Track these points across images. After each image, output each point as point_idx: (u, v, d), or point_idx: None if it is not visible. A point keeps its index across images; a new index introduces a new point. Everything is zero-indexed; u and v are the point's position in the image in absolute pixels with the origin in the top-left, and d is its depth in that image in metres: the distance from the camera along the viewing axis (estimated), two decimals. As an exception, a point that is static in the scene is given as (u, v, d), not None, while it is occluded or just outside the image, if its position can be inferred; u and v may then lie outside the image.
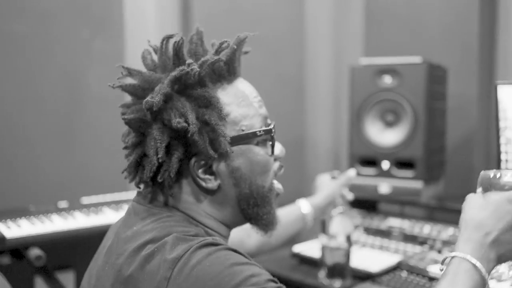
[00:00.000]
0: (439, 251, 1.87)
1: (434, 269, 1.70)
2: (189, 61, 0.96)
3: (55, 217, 1.94)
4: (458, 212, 1.87)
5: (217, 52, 1.02)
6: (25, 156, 2.17)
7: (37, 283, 2.23)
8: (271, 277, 0.86)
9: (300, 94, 2.89)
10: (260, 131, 0.99)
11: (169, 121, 0.92)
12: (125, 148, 1.04)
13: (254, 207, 1.00)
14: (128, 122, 0.98)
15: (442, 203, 2.14)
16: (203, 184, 0.96)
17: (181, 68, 0.95)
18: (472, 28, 2.35)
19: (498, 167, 1.91)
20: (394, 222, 2.11)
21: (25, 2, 2.15)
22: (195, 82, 0.95)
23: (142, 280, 0.85)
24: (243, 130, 0.97)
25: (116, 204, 2.15)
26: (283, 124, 1.13)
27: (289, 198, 1.65)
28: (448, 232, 1.97)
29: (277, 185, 1.07)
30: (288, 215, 1.65)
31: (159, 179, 0.94)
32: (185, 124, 0.92)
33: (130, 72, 1.04)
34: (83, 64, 2.28)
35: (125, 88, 1.02)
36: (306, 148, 2.94)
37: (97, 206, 2.10)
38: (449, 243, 1.91)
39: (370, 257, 1.88)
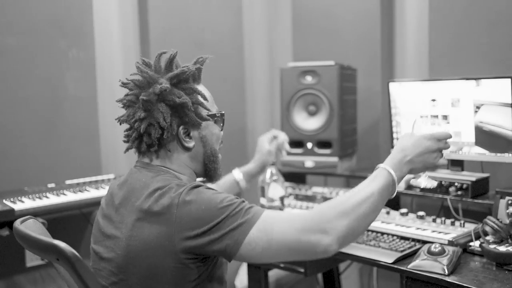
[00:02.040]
0: (349, 207, 2.48)
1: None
2: (184, 65, 1.47)
3: (49, 195, 2.39)
4: (361, 178, 2.48)
5: (197, 63, 1.52)
6: (17, 147, 2.53)
7: (27, 253, 2.68)
8: (241, 199, 1.34)
9: (241, 91, 3.41)
10: (219, 113, 1.52)
11: (171, 100, 1.40)
12: (130, 124, 1.46)
13: (212, 163, 1.51)
14: (131, 103, 1.45)
15: (353, 173, 2.74)
16: (185, 144, 1.45)
17: (182, 68, 1.45)
18: (376, 36, 2.93)
19: (391, 143, 2.53)
20: (317, 189, 2.70)
21: (12, 17, 2.48)
22: (186, 78, 1.45)
23: (158, 209, 1.31)
24: (208, 112, 1.50)
25: (95, 183, 2.62)
26: (227, 116, 1.60)
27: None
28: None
29: (220, 155, 1.61)
30: (224, 182, 2.15)
31: (164, 137, 1.41)
32: (185, 101, 1.41)
33: (141, 71, 1.47)
34: (61, 70, 2.67)
35: (135, 82, 1.47)
36: (246, 134, 3.48)
37: (80, 185, 2.57)
38: (357, 202, 2.52)
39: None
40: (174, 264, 1.29)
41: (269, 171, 2.29)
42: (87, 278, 1.17)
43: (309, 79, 2.70)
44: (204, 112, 1.47)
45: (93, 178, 2.67)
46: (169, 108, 1.42)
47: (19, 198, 2.33)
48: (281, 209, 2.28)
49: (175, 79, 1.44)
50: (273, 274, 2.66)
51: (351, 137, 2.82)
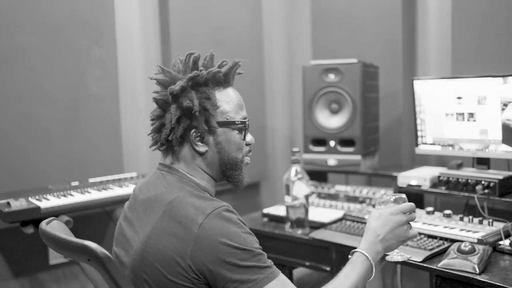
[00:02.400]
0: (373, 206, 2.47)
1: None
2: (201, 68, 1.46)
3: (74, 193, 2.40)
4: (389, 177, 2.47)
5: (219, 66, 1.50)
6: (40, 145, 2.54)
7: (50, 251, 2.70)
8: (262, 251, 1.32)
9: (260, 90, 3.40)
10: (238, 121, 1.48)
11: (181, 103, 1.40)
12: (152, 120, 1.48)
13: (229, 170, 1.49)
14: (156, 101, 1.45)
15: (376, 171, 2.73)
16: (196, 148, 1.44)
17: (195, 72, 1.44)
18: (397, 34, 2.91)
19: (416, 142, 2.52)
20: (340, 188, 2.69)
21: (35, 17, 2.50)
22: (202, 82, 1.44)
23: (178, 222, 1.29)
24: (227, 119, 1.47)
25: (118, 181, 2.62)
26: (247, 114, 1.55)
27: (255, 171, 2.12)
28: (380, 192, 2.56)
29: (247, 159, 1.57)
30: None
31: (169, 138, 1.41)
32: (191, 105, 1.40)
33: (164, 71, 1.48)
34: (83, 68, 2.68)
35: (159, 81, 1.47)
36: (266, 133, 3.48)
37: (104, 183, 2.57)
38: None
39: (322, 213, 2.46)
40: (183, 282, 1.27)
41: (293, 169, 2.29)
42: (118, 278, 1.17)
43: (331, 77, 2.69)
44: (215, 119, 1.44)
45: (116, 177, 2.68)
46: (179, 110, 1.41)
47: (44, 196, 2.34)
48: (305, 207, 2.27)
49: (191, 81, 1.42)
50: (296, 272, 2.65)
51: (374, 135, 2.80)
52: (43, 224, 1.38)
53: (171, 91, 1.40)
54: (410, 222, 1.54)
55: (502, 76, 2.18)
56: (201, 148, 1.44)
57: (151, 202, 1.40)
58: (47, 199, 2.30)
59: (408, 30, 2.95)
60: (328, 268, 2.23)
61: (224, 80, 1.47)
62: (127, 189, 2.50)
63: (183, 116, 1.41)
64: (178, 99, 1.41)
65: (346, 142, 2.69)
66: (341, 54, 2.95)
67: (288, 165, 3.43)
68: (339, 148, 2.69)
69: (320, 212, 2.47)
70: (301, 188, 2.29)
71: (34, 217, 2.23)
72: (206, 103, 1.42)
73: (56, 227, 1.45)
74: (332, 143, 2.70)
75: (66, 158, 2.66)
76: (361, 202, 2.56)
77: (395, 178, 2.54)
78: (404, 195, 1.55)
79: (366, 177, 3.02)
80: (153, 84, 1.51)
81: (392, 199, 1.54)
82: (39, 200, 2.29)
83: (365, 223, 2.26)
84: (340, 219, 2.39)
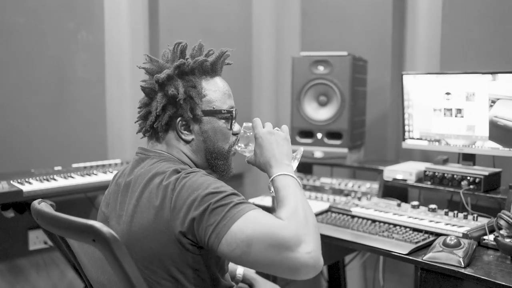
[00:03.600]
0: (359, 199, 2.48)
1: (354, 210, 2.30)
2: (187, 57, 1.45)
3: (57, 177, 2.37)
4: (375, 170, 2.48)
5: (206, 55, 1.49)
6: (24, 128, 2.50)
7: (30, 236, 2.65)
8: (235, 191, 1.29)
9: (248, 80, 3.39)
10: (224, 110, 1.47)
11: (167, 91, 1.40)
12: (139, 108, 1.48)
13: (215, 159, 1.49)
14: (143, 89, 1.45)
15: (362, 165, 2.73)
16: (182, 136, 1.43)
17: (181, 60, 1.43)
18: (387, 28, 2.92)
19: (403, 136, 2.52)
20: (325, 180, 2.69)
21: None
22: (188, 71, 1.43)
23: (155, 195, 1.28)
24: (213, 108, 1.46)
25: (102, 167, 2.59)
26: (234, 104, 1.54)
27: (239, 162, 2.09)
28: (366, 185, 2.57)
29: (234, 149, 1.54)
30: None
31: (154, 126, 1.41)
32: (175, 93, 1.40)
33: (151, 60, 1.48)
34: (70, 52, 2.64)
35: (146, 70, 1.47)
36: (252, 124, 3.45)
37: (87, 169, 2.54)
38: (366, 193, 2.52)
39: (310, 205, 2.45)
40: (173, 250, 1.27)
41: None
42: (123, 259, 1.15)
43: (321, 69, 2.68)
44: (200, 107, 1.43)
45: (100, 163, 2.65)
46: (165, 98, 1.42)
47: (27, 179, 2.30)
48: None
49: (177, 70, 1.42)
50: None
51: (360, 129, 2.81)
52: (35, 204, 1.35)
53: (156, 79, 1.41)
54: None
55: (491, 73, 2.20)
56: (187, 136, 1.44)
57: (131, 183, 1.39)
58: (30, 183, 2.26)
59: (398, 25, 2.95)
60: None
61: (211, 69, 1.46)
62: (111, 175, 2.47)
63: (168, 104, 1.41)
64: (164, 87, 1.41)
65: (333, 134, 2.69)
66: (329, 46, 2.95)
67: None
68: (326, 140, 2.69)
69: (306, 204, 2.46)
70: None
71: (16, 200, 2.20)
72: (191, 92, 1.42)
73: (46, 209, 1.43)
74: (319, 136, 2.70)
75: (50, 142, 2.62)
76: (346, 195, 2.57)
77: (381, 171, 2.54)
78: (254, 120, 1.51)
79: (351, 170, 3.02)
80: (140, 70, 1.50)
81: (249, 126, 1.51)
82: (21, 183, 2.25)
83: (350, 215, 2.28)
84: (326, 211, 2.39)
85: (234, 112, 1.49)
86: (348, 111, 2.63)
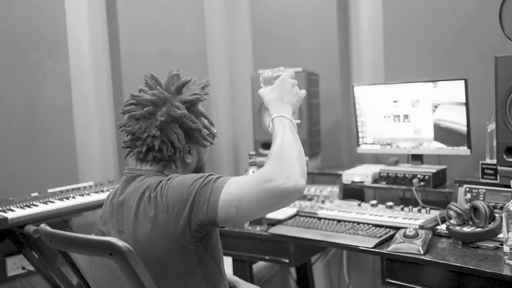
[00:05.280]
0: (323, 202, 2.70)
1: (320, 212, 2.51)
2: (196, 92, 1.61)
3: (37, 203, 2.45)
4: (334, 175, 2.69)
5: (203, 88, 1.67)
6: None
7: (8, 262, 2.72)
8: (211, 173, 1.50)
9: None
10: (214, 132, 1.67)
11: (185, 124, 1.56)
12: (140, 137, 1.57)
13: (196, 171, 1.66)
14: (160, 122, 1.54)
15: (322, 170, 2.96)
16: (187, 160, 1.61)
17: (194, 96, 1.59)
18: (333, 43, 3.18)
19: (357, 142, 2.77)
20: (289, 187, 2.89)
21: None
22: (196, 103, 1.61)
23: (150, 204, 1.43)
24: (210, 131, 1.65)
25: (78, 190, 2.68)
26: None
27: None
28: (327, 189, 2.79)
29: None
30: None
31: (177, 155, 1.56)
32: (198, 127, 1.58)
33: (152, 87, 1.62)
34: (37, 81, 2.73)
35: (151, 101, 1.56)
36: (213, 139, 3.62)
37: (64, 193, 2.63)
38: (328, 197, 2.75)
39: (277, 211, 2.65)
40: (177, 250, 1.43)
41: (250, 171, 2.46)
42: (139, 270, 1.29)
43: (278, 85, 2.88)
44: (207, 134, 1.64)
45: (74, 186, 2.74)
46: (182, 130, 1.57)
47: (8, 207, 2.37)
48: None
49: (189, 103, 1.59)
50: (256, 266, 2.83)
51: (317, 138, 3.04)
52: (44, 228, 1.48)
53: (179, 115, 1.55)
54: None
55: (433, 81, 2.48)
56: (189, 159, 1.62)
57: (125, 201, 1.53)
58: (12, 210, 2.34)
59: (343, 40, 3.21)
60: (286, 260, 2.42)
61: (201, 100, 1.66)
62: (89, 198, 2.58)
63: (185, 135, 1.58)
64: (181, 121, 1.57)
65: (294, 144, 2.89)
66: (279, 63, 3.13)
67: (232, 168, 3.61)
68: (287, 150, 2.89)
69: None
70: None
71: (2, 228, 2.28)
72: (203, 122, 1.62)
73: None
74: (280, 146, 2.90)
75: (24, 169, 2.69)
76: (310, 199, 2.78)
77: (339, 176, 2.78)
78: (282, 67, 1.70)
79: (311, 177, 3.24)
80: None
81: (275, 74, 1.68)
82: (4, 211, 2.32)
83: (317, 218, 2.49)
84: (294, 215, 2.59)
85: (216, 135, 1.70)
86: (306, 122, 2.85)
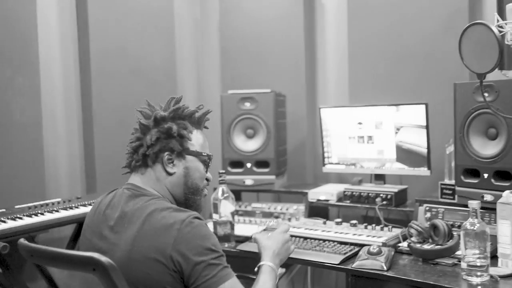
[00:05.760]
0: (289, 219, 2.78)
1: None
2: (183, 105, 1.69)
3: (5, 219, 2.44)
4: (299, 193, 2.78)
5: (198, 108, 1.74)
6: None
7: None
8: (223, 253, 1.57)
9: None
10: (203, 153, 1.72)
11: (162, 127, 1.62)
12: (131, 142, 1.68)
13: (191, 194, 1.71)
14: (140, 125, 1.66)
15: (288, 189, 3.05)
16: (166, 167, 1.65)
17: (177, 105, 1.67)
18: (301, 67, 3.28)
19: (323, 162, 2.86)
20: (256, 205, 2.97)
21: None
22: (182, 116, 1.67)
23: (160, 225, 1.49)
24: (195, 150, 1.71)
25: (46, 206, 2.68)
26: None
27: None
28: (293, 207, 2.87)
29: (205, 192, 1.81)
30: None
31: (147, 153, 1.62)
32: (170, 127, 1.62)
33: (149, 105, 1.70)
34: (7, 97, 2.73)
35: (142, 112, 1.69)
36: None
37: (32, 209, 2.62)
38: (294, 214, 2.83)
39: (245, 228, 2.72)
40: (169, 278, 1.47)
41: (220, 189, 2.53)
42: (121, 285, 1.33)
43: (247, 105, 2.98)
44: (188, 147, 1.68)
45: (42, 202, 2.73)
46: (159, 132, 1.65)
47: (-27, 225, 2.36)
48: (231, 223, 2.52)
49: (173, 113, 1.67)
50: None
51: (283, 157, 3.13)
52: (24, 242, 1.50)
53: (154, 115, 1.64)
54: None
55: (395, 105, 2.60)
56: (170, 169, 1.66)
57: (128, 216, 1.57)
58: (-20, 228, 2.33)
59: (310, 63, 3.33)
60: (255, 277, 2.47)
61: (197, 122, 1.73)
62: (58, 214, 2.57)
63: (161, 138, 1.64)
64: (159, 124, 1.64)
65: (261, 163, 2.99)
66: (248, 84, 3.24)
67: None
68: (255, 169, 2.98)
69: (242, 227, 2.72)
70: (227, 206, 2.53)
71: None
72: (183, 131, 1.66)
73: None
74: (248, 165, 2.98)
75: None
76: (276, 217, 2.86)
77: (305, 194, 2.87)
78: (280, 220, 1.85)
79: (276, 195, 3.32)
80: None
81: (275, 224, 1.85)
82: (-29, 229, 2.31)
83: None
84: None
85: (211, 158, 1.75)
86: (273, 141, 2.94)
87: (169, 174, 1.67)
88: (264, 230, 1.85)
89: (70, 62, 3.11)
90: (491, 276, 1.93)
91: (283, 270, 1.82)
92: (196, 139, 1.71)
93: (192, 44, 3.79)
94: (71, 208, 2.68)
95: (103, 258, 1.31)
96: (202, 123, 1.76)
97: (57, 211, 2.64)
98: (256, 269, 1.74)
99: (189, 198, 1.71)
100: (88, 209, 2.60)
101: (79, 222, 2.66)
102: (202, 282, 1.47)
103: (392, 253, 2.22)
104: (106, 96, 3.15)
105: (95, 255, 1.32)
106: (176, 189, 1.69)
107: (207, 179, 1.76)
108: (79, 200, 2.83)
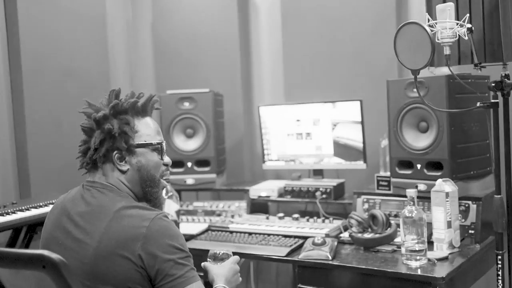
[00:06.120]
0: (232, 216, 2.82)
1: (232, 226, 2.63)
2: (121, 98, 1.66)
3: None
4: (240, 191, 2.83)
5: (137, 98, 1.69)
6: None
7: None
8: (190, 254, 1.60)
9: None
10: (152, 143, 1.71)
11: (104, 128, 1.60)
12: (79, 146, 1.66)
13: (149, 187, 1.69)
14: (83, 129, 1.63)
15: (229, 187, 3.09)
16: (118, 166, 1.64)
17: (115, 101, 1.63)
18: (236, 66, 3.34)
19: (263, 159, 2.93)
20: (197, 204, 2.99)
21: None
22: (122, 110, 1.64)
23: (128, 222, 1.48)
24: (145, 141, 1.71)
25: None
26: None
27: None
28: (235, 205, 2.91)
29: (164, 182, 1.81)
30: None
31: (94, 157, 1.61)
32: (111, 127, 1.60)
33: (89, 104, 1.66)
34: None
35: (85, 113, 1.65)
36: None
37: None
38: (236, 212, 2.87)
39: (189, 227, 2.73)
40: (135, 274, 1.47)
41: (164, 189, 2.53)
42: (73, 283, 1.30)
43: (186, 104, 3.00)
44: (133, 141, 1.65)
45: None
46: (102, 134, 1.62)
47: None
48: (177, 222, 2.53)
49: (112, 109, 1.64)
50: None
51: (222, 156, 3.16)
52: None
53: (93, 117, 1.61)
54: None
55: (332, 102, 2.71)
56: (123, 167, 1.64)
57: (94, 213, 1.56)
58: None
59: (245, 63, 3.38)
60: (201, 274, 2.49)
61: (142, 110, 1.69)
62: (5, 218, 2.48)
63: (105, 139, 1.61)
64: (101, 125, 1.61)
65: (202, 162, 3.01)
66: (183, 84, 3.25)
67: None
68: (195, 168, 3.00)
69: (186, 226, 2.74)
70: (171, 205, 2.54)
71: None
72: (125, 128, 1.63)
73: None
74: (189, 164, 3.00)
75: None
76: (219, 215, 2.89)
77: (247, 191, 2.92)
78: (230, 250, 1.90)
79: (215, 193, 3.35)
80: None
81: (225, 255, 1.88)
82: None
83: (228, 231, 2.61)
84: (206, 230, 2.69)
85: (163, 144, 1.73)
86: (213, 141, 2.97)
87: (123, 172, 1.65)
88: (213, 258, 1.88)
89: None
90: (429, 260, 2.06)
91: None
92: (144, 129, 1.68)
93: (125, 45, 3.76)
94: (7, 213, 2.59)
95: (54, 255, 1.26)
96: (149, 109, 1.72)
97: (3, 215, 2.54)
98: None
99: (147, 192, 1.69)
100: (26, 214, 2.53)
101: (15, 228, 2.58)
102: (169, 281, 1.47)
103: (335, 243, 2.31)
104: (39, 97, 3.06)
105: (45, 252, 1.28)
106: (133, 185, 1.67)
107: (165, 164, 1.74)
108: (15, 205, 2.73)
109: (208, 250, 2.43)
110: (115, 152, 1.63)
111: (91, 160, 1.64)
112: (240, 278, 1.86)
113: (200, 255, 2.47)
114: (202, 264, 1.83)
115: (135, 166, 1.66)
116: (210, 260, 1.86)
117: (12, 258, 1.38)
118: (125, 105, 1.65)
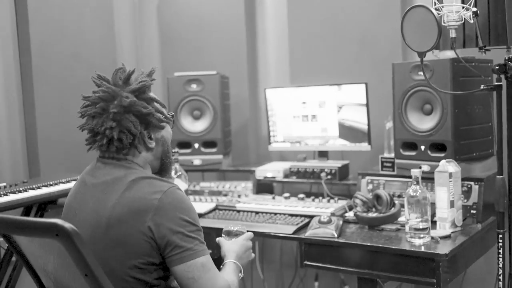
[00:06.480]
0: (239, 196, 2.88)
1: (239, 205, 2.69)
2: (142, 79, 1.67)
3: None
4: (246, 172, 2.88)
5: (149, 75, 1.73)
6: None
7: None
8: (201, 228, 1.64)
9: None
10: (171, 115, 1.77)
11: (138, 111, 1.61)
12: (99, 131, 1.62)
13: (168, 158, 1.76)
14: (114, 114, 1.59)
15: (236, 168, 3.15)
16: (149, 145, 1.68)
17: (141, 83, 1.64)
18: (242, 49, 3.37)
19: (269, 141, 2.98)
20: (204, 184, 3.05)
21: None
22: (145, 90, 1.67)
23: (141, 197, 1.53)
24: (165, 115, 1.75)
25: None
26: None
27: None
28: (241, 185, 2.97)
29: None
30: None
31: (135, 142, 1.62)
32: (150, 111, 1.63)
33: (100, 85, 1.66)
34: None
35: (101, 97, 1.62)
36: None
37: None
38: (242, 192, 2.93)
39: (196, 206, 2.77)
40: (144, 244, 1.52)
41: (173, 167, 2.58)
42: (84, 251, 1.34)
43: (194, 86, 3.04)
44: (162, 117, 1.71)
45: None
46: (136, 117, 1.64)
47: None
48: (185, 201, 2.58)
49: (137, 92, 1.65)
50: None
51: (228, 138, 3.22)
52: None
53: (128, 103, 1.60)
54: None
55: (337, 85, 2.76)
56: (152, 144, 1.68)
57: (109, 183, 1.60)
58: None
59: (251, 46, 3.42)
60: (210, 251, 2.56)
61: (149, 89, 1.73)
62: (8, 198, 2.53)
63: (141, 122, 1.64)
64: (133, 109, 1.61)
65: (209, 144, 3.06)
66: (190, 67, 3.29)
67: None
68: (202, 149, 3.06)
69: (194, 205, 2.74)
70: (180, 184, 2.59)
71: None
72: (155, 106, 1.68)
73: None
74: (196, 146, 3.05)
75: None
76: (225, 195, 2.95)
77: (253, 172, 2.98)
78: (245, 229, 1.94)
79: (220, 174, 3.39)
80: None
81: (239, 231, 1.94)
82: None
83: (235, 210, 2.67)
84: (214, 209, 2.75)
85: (174, 115, 1.81)
86: (220, 122, 3.03)
87: (151, 149, 1.69)
88: (227, 234, 1.93)
89: (9, 45, 3.03)
90: (432, 237, 2.13)
91: (242, 275, 1.89)
92: (159, 105, 1.72)
93: (131, 28, 3.79)
94: (19, 191, 2.64)
95: (67, 224, 1.31)
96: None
97: (6, 194, 2.60)
98: (221, 266, 1.79)
99: (164, 163, 1.76)
100: (37, 192, 2.59)
101: (27, 205, 2.64)
102: (178, 253, 1.52)
103: (341, 222, 2.37)
104: (48, 79, 3.11)
105: (59, 221, 1.32)
106: (155, 160, 1.72)
107: None
108: (25, 184, 2.79)
109: (216, 228, 2.52)
110: (146, 131, 1.67)
111: (130, 145, 1.64)
112: (253, 255, 1.92)
113: (208, 233, 2.55)
114: (217, 239, 1.89)
115: (160, 141, 1.72)
116: (224, 236, 1.92)
117: (28, 227, 1.44)
118: (146, 86, 1.67)
